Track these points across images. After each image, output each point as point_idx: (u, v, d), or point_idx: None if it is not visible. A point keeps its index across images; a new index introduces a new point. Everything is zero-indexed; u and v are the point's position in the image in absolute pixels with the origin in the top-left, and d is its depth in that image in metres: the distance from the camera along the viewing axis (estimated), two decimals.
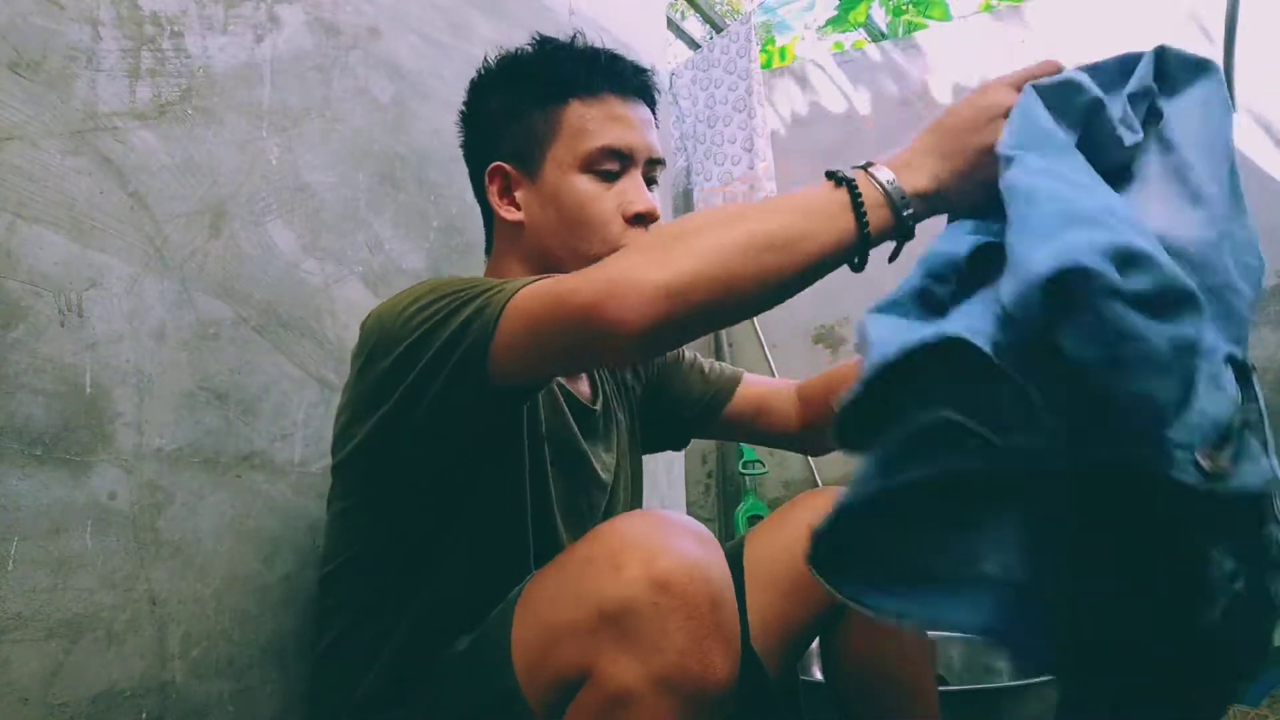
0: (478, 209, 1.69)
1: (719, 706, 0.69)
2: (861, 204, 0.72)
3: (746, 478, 3.29)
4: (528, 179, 1.02)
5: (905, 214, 0.74)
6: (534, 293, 0.76)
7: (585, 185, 0.98)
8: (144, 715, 1.04)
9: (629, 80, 1.03)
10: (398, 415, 0.86)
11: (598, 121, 0.99)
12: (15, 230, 0.98)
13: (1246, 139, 2.52)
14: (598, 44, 1.09)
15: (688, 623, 0.68)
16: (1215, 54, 1.93)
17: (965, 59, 3.05)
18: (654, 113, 1.07)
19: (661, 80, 1.10)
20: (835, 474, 3.10)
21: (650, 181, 1.04)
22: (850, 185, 0.73)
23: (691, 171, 3.03)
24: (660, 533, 0.74)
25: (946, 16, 3.99)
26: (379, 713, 0.93)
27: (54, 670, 0.97)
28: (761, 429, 1.24)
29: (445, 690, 0.89)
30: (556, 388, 1.04)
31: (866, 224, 0.72)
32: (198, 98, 1.19)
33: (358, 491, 0.96)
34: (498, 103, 1.06)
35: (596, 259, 0.93)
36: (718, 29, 3.17)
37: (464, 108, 1.12)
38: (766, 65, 3.73)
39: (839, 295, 2.75)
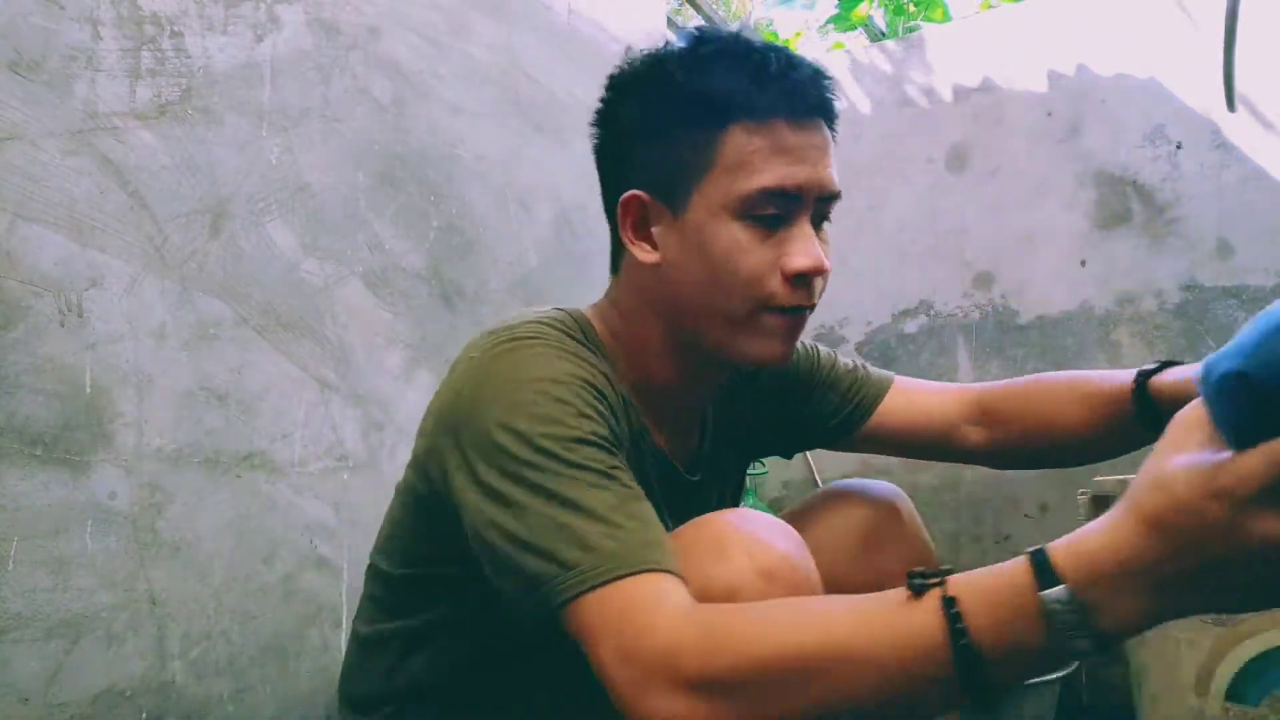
0: (477, 209, 1.70)
1: None
2: (975, 653, 0.52)
3: (748, 477, 3.29)
4: (669, 214, 0.85)
5: (1069, 659, 0.53)
6: (597, 619, 0.65)
7: (738, 234, 0.81)
8: (144, 715, 1.04)
9: (806, 97, 0.82)
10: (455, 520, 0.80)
11: (762, 155, 0.80)
12: (15, 230, 0.98)
13: (1248, 139, 2.52)
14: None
15: None
16: (1215, 53, 1.93)
17: (966, 59, 3.05)
18: (833, 129, 0.87)
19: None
20: (833, 473, 3.11)
21: (821, 219, 0.86)
22: (962, 645, 0.52)
23: None
24: (762, 529, 0.76)
25: (947, 17, 3.99)
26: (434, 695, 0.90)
27: (54, 670, 0.96)
28: (919, 443, 1.07)
29: (527, 672, 0.87)
30: (650, 455, 0.92)
31: (984, 680, 0.53)
32: (198, 98, 1.19)
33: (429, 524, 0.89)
34: (639, 114, 0.87)
35: (739, 320, 0.83)
36: None
37: (600, 104, 0.93)
38: None
39: (839, 295, 2.74)
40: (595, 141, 0.95)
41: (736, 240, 0.81)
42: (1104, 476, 1.63)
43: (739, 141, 0.81)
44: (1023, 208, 2.90)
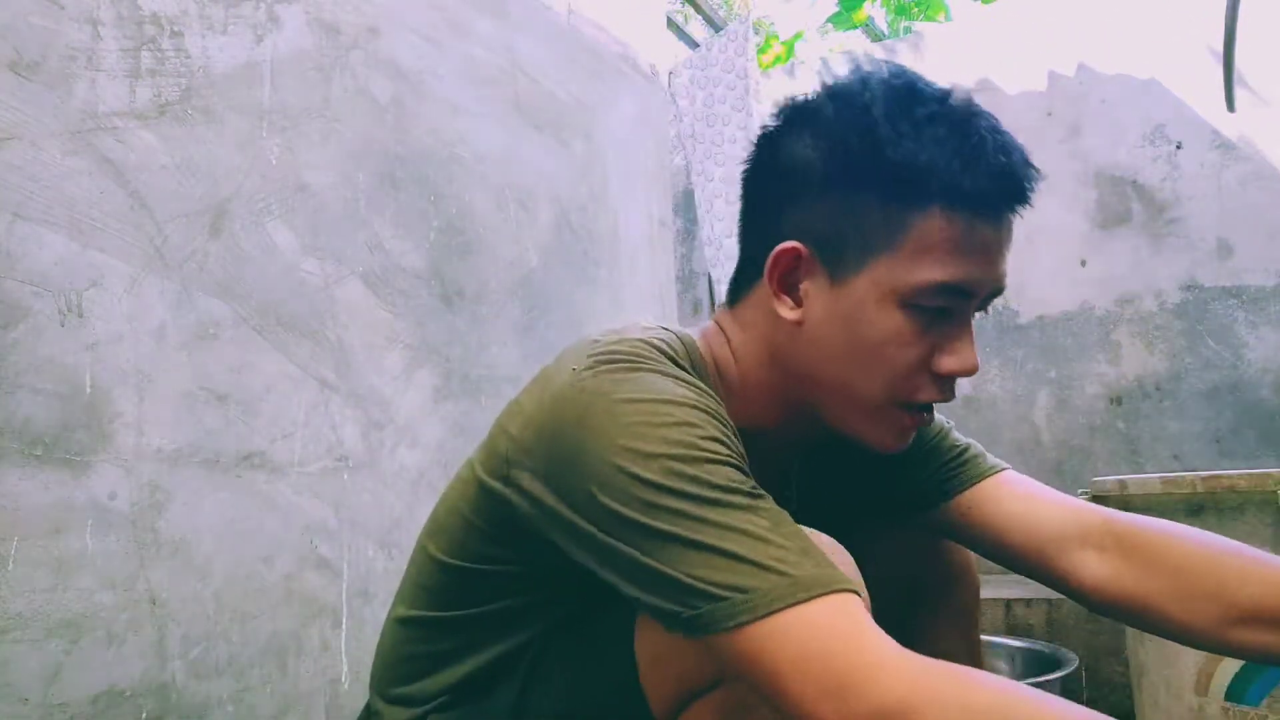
0: (477, 209, 1.70)
1: None
2: None
3: None
4: (826, 277, 0.77)
5: None
6: (783, 649, 0.61)
7: (901, 323, 0.75)
8: (144, 715, 1.04)
9: (1011, 186, 0.74)
10: (541, 541, 0.75)
11: (952, 246, 0.73)
12: (15, 230, 0.98)
13: (1248, 139, 2.52)
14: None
15: None
16: (1215, 52, 1.93)
17: (966, 59, 3.05)
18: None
19: None
20: None
21: (980, 310, 0.80)
22: None
23: (691, 171, 3.04)
24: (825, 550, 0.72)
25: (948, 16, 4.00)
26: (468, 696, 0.88)
27: (54, 670, 0.97)
28: (1015, 549, 0.92)
29: (548, 678, 0.84)
30: None
31: None
32: (198, 98, 1.19)
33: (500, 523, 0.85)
34: (824, 163, 0.77)
35: (868, 408, 0.79)
36: (719, 31, 3.17)
37: (770, 131, 0.83)
38: (769, 62, 3.74)
39: None
40: (751, 167, 0.86)
41: (899, 330, 0.75)
42: (1103, 477, 1.63)
43: (935, 225, 0.73)
44: None
